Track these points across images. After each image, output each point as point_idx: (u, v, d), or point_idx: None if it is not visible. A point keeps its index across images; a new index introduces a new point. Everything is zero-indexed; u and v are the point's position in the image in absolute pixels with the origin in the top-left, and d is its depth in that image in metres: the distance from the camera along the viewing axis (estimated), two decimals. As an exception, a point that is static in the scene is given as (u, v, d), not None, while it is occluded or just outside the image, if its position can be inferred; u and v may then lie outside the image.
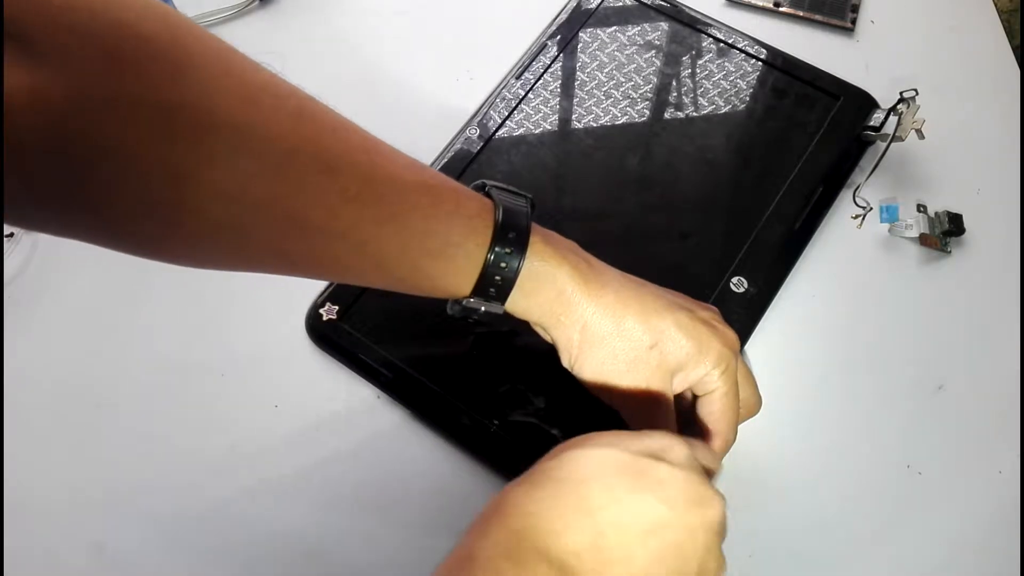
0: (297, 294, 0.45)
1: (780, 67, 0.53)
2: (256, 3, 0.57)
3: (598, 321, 0.34)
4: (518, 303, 0.34)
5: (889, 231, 0.48)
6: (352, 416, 0.43)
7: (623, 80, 0.53)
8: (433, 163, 0.50)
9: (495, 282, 0.33)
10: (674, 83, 0.53)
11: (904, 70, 0.54)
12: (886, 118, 0.50)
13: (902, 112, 0.47)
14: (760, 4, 0.57)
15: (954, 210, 0.48)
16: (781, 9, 0.57)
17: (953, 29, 0.57)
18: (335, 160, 0.30)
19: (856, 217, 0.47)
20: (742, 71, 0.53)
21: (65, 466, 0.41)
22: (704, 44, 0.54)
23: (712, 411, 0.35)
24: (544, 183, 0.49)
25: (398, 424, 0.43)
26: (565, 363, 0.36)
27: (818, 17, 0.56)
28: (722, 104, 0.52)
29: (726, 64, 0.54)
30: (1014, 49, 0.56)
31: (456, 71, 0.54)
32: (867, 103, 0.52)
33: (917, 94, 0.47)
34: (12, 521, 0.40)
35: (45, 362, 0.44)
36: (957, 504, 0.41)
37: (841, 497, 0.41)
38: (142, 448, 0.42)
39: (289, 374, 0.44)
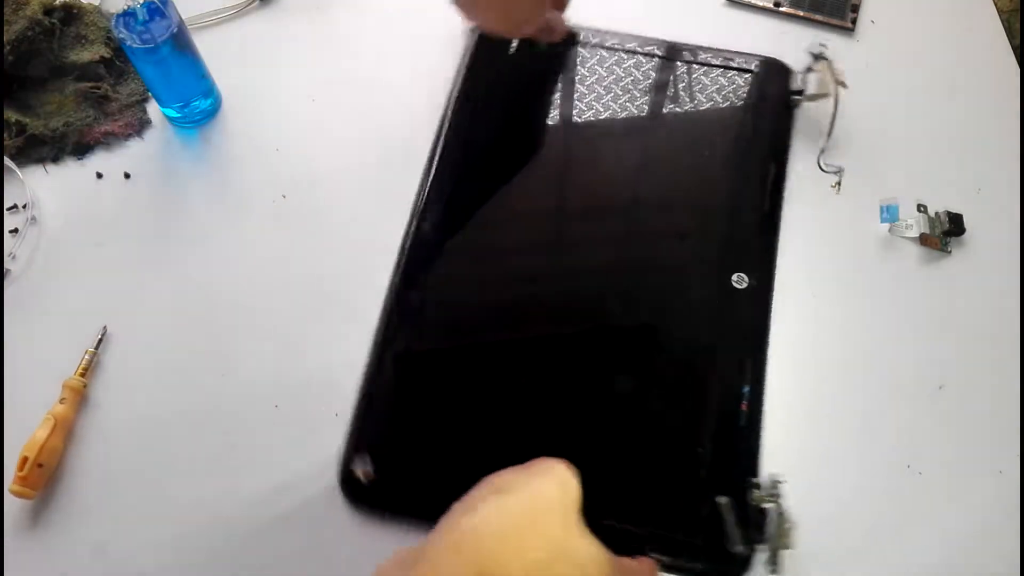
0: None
1: (687, 60, 0.53)
2: (256, 3, 0.57)
3: None
4: None
5: (889, 231, 0.48)
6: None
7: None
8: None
9: None
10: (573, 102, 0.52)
11: (904, 70, 0.54)
12: (804, 79, 0.50)
13: (820, 71, 0.48)
14: (760, 4, 0.57)
15: (954, 210, 0.48)
16: (781, 9, 0.57)
17: (953, 29, 0.57)
18: None
19: (835, 185, 0.48)
20: (641, 70, 0.52)
21: (65, 466, 0.41)
22: (586, 55, 0.53)
23: None
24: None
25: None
26: None
27: (818, 17, 0.56)
28: (641, 113, 0.51)
29: (615, 68, 0.52)
30: (1014, 49, 0.56)
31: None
32: (781, 69, 0.52)
33: (825, 47, 0.48)
34: (12, 521, 0.40)
35: (45, 362, 0.44)
36: (957, 504, 0.41)
37: (841, 497, 0.41)
38: (142, 447, 0.42)
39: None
